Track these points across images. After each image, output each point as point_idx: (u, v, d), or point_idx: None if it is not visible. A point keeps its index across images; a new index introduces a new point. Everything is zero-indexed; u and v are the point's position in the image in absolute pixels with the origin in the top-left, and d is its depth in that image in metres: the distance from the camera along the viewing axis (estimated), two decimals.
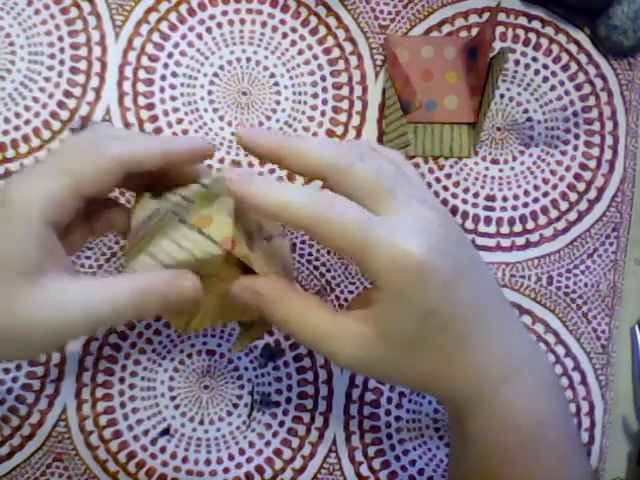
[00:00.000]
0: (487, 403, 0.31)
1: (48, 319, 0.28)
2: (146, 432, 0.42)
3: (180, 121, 0.43)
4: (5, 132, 0.42)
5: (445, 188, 0.44)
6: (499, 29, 0.45)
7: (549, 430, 0.31)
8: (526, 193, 0.45)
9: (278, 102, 0.44)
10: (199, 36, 0.43)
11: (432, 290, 0.28)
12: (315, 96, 0.44)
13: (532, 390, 0.31)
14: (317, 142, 0.31)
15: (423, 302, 0.28)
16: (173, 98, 0.43)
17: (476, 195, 0.45)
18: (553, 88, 0.45)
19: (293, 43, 0.44)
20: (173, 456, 0.42)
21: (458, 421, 0.33)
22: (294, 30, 0.44)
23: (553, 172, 0.45)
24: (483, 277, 0.32)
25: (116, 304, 0.29)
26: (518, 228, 0.45)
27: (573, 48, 0.45)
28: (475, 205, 0.45)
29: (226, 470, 0.42)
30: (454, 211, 0.44)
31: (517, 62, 0.45)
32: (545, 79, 0.45)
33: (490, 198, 0.45)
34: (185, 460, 0.42)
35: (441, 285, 0.28)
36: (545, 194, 0.45)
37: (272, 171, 0.43)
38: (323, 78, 0.44)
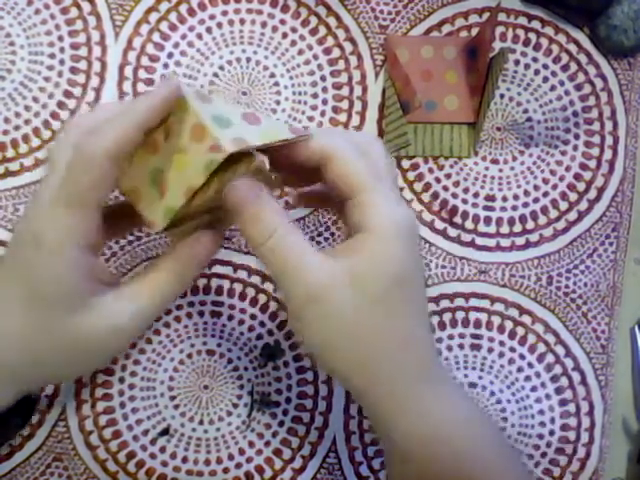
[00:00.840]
0: (433, 393, 0.32)
1: (105, 336, 0.31)
2: (146, 432, 0.42)
3: None
4: (5, 132, 0.42)
5: (445, 188, 0.44)
6: (499, 29, 0.45)
7: (476, 425, 0.32)
8: (526, 193, 0.45)
9: (278, 102, 0.44)
10: (199, 36, 0.43)
11: (412, 256, 0.31)
12: (315, 96, 0.44)
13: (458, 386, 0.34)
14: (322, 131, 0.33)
15: (403, 266, 0.30)
16: None
17: (476, 195, 0.45)
18: (553, 88, 0.45)
19: (293, 43, 0.44)
20: (173, 456, 0.42)
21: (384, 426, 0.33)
22: (294, 30, 0.44)
23: (553, 172, 0.45)
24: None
25: (163, 295, 0.31)
26: (518, 228, 0.45)
27: (573, 48, 0.45)
28: (475, 205, 0.45)
29: (226, 470, 0.42)
30: (454, 211, 0.44)
31: (517, 62, 0.45)
32: (545, 79, 0.45)
33: (490, 198, 0.45)
34: (185, 460, 0.42)
35: (416, 254, 0.31)
36: (545, 194, 0.45)
37: None
38: (323, 78, 0.44)
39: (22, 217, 0.32)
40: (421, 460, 0.31)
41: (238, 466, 0.42)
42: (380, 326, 0.30)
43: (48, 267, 0.29)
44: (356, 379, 0.31)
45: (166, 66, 0.43)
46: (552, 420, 0.44)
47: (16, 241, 0.31)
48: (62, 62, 0.42)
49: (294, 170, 0.34)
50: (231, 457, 0.42)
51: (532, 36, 0.45)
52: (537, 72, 0.45)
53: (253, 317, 0.43)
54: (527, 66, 0.45)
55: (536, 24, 0.45)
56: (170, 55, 0.43)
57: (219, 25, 0.43)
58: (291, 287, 0.30)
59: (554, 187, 0.45)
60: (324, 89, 0.44)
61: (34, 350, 0.31)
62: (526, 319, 0.44)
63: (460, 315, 0.44)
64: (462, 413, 0.32)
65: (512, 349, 0.44)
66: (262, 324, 0.43)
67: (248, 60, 0.44)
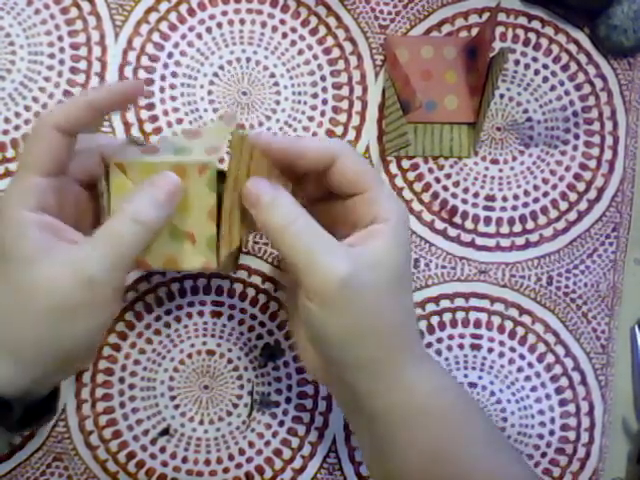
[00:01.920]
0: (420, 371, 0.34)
1: (70, 286, 0.31)
2: (146, 432, 0.42)
3: (180, 121, 0.43)
4: (5, 132, 0.42)
5: (445, 188, 0.44)
6: (499, 29, 0.45)
7: (459, 403, 0.34)
8: (526, 193, 0.45)
9: (278, 102, 0.44)
10: (199, 36, 0.43)
11: (408, 257, 0.34)
12: (315, 96, 0.44)
13: (440, 367, 0.36)
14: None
15: (407, 246, 0.34)
16: (173, 98, 0.43)
17: (476, 195, 0.45)
18: (553, 88, 0.45)
19: (293, 43, 0.44)
20: (173, 456, 0.42)
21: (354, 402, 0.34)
22: (294, 30, 0.44)
23: (553, 172, 0.45)
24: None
25: (128, 240, 0.32)
26: (518, 228, 0.45)
27: (573, 48, 0.45)
28: (475, 205, 0.45)
29: (226, 470, 0.42)
30: (454, 211, 0.44)
31: (517, 62, 0.45)
32: (545, 79, 0.45)
33: (490, 198, 0.45)
34: (185, 460, 0.42)
35: (409, 254, 0.35)
36: (545, 194, 0.45)
37: None
38: (323, 78, 0.44)
39: None
40: (408, 431, 0.33)
41: (238, 466, 0.42)
42: (395, 305, 0.33)
43: (4, 231, 0.31)
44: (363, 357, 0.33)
45: (166, 66, 0.43)
46: (552, 420, 0.44)
47: None
48: (62, 62, 0.42)
49: (300, 178, 0.36)
50: (231, 457, 0.42)
51: (532, 36, 0.45)
52: (537, 72, 0.45)
53: (253, 317, 0.43)
54: (527, 66, 0.45)
55: (536, 24, 0.45)
56: (170, 55, 0.43)
57: (219, 25, 0.43)
58: (320, 273, 0.31)
59: (554, 187, 0.45)
60: (324, 89, 0.44)
61: (20, 311, 0.31)
62: (526, 319, 0.44)
63: (460, 315, 0.44)
64: (447, 386, 0.35)
65: (512, 349, 0.44)
66: (262, 324, 0.43)
67: (248, 60, 0.44)
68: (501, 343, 0.44)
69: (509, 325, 0.44)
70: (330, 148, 0.34)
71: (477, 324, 0.44)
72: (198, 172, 0.33)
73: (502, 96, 0.45)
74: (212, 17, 0.43)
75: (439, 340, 0.44)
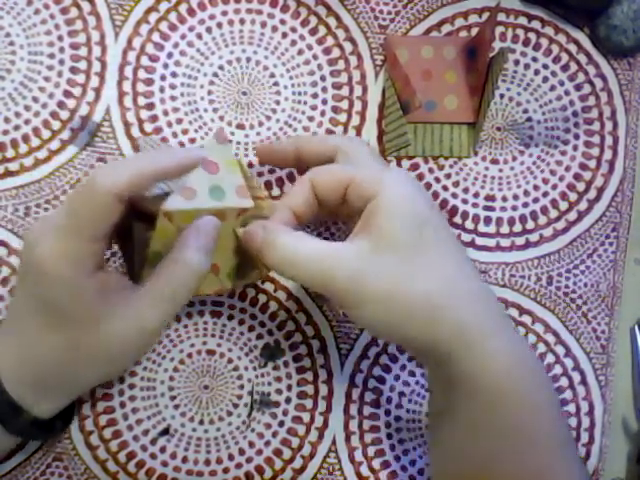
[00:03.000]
0: (479, 347, 0.31)
1: (134, 337, 0.33)
2: (146, 432, 0.42)
3: (180, 121, 0.43)
4: (5, 132, 0.42)
5: (445, 188, 0.44)
6: (499, 29, 0.45)
7: (537, 377, 0.33)
8: (526, 193, 0.45)
9: (278, 102, 0.44)
10: (199, 36, 0.43)
11: (425, 205, 0.33)
12: (315, 96, 0.44)
13: (519, 341, 0.33)
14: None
15: (419, 213, 0.32)
16: (173, 98, 0.43)
17: (476, 195, 0.45)
18: (553, 88, 0.45)
19: (293, 43, 0.44)
20: (173, 456, 0.42)
21: (443, 375, 0.33)
22: (294, 30, 0.44)
23: (553, 172, 0.45)
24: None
25: (181, 290, 0.33)
26: (518, 228, 0.45)
27: (573, 48, 0.45)
28: (475, 205, 0.45)
29: (226, 470, 0.42)
30: (454, 211, 0.44)
31: (517, 62, 0.45)
32: (545, 79, 0.45)
33: (490, 198, 0.45)
34: (185, 460, 0.42)
35: (428, 202, 0.34)
36: (545, 194, 0.45)
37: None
38: (323, 78, 0.44)
39: (25, 243, 0.33)
40: (488, 396, 0.31)
41: (238, 466, 0.42)
42: (420, 274, 0.31)
43: (55, 293, 0.32)
44: (424, 335, 0.32)
45: (166, 66, 0.43)
46: None
47: (22, 271, 0.34)
48: (62, 62, 0.42)
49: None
50: (231, 457, 0.42)
51: (532, 36, 0.45)
52: (537, 72, 0.45)
53: (253, 317, 0.43)
54: (527, 66, 0.45)
55: (536, 24, 0.45)
56: (170, 55, 0.43)
57: (219, 25, 0.43)
58: (329, 281, 0.32)
59: (554, 187, 0.45)
60: (324, 89, 0.44)
61: (68, 364, 0.34)
62: (526, 319, 0.44)
63: None
64: (530, 354, 0.33)
65: None
66: (262, 324, 0.43)
67: (248, 60, 0.44)
68: None
69: None
70: (333, 144, 0.37)
71: None
72: (236, 215, 0.35)
73: (502, 96, 0.45)
74: (212, 17, 0.43)
75: None
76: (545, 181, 0.45)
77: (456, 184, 0.44)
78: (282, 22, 0.44)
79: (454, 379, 0.32)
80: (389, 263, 0.31)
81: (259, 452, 0.42)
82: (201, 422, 0.42)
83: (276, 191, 0.43)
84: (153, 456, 0.42)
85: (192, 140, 0.43)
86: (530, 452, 0.31)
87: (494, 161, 0.45)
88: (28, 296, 0.33)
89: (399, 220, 0.32)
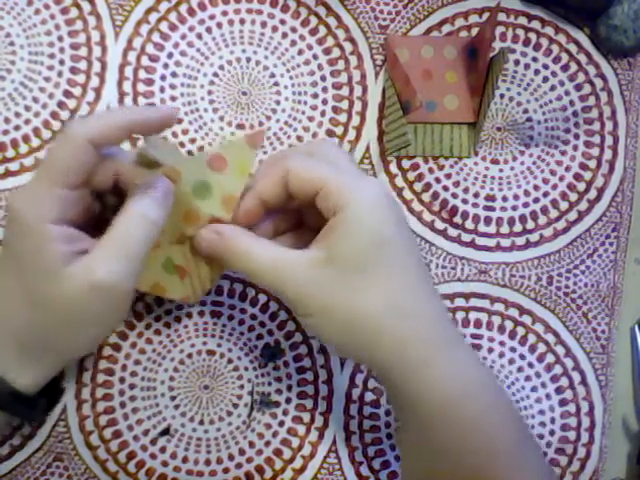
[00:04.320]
0: (420, 372, 0.32)
1: (89, 296, 0.31)
2: (146, 432, 0.42)
3: (180, 121, 0.43)
4: (5, 132, 0.42)
5: (445, 188, 0.44)
6: (499, 29, 0.45)
7: (491, 393, 0.33)
8: (526, 193, 0.45)
9: (278, 102, 0.44)
10: (199, 36, 0.43)
11: (390, 224, 0.32)
12: (315, 96, 0.44)
13: (467, 365, 0.33)
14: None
15: (381, 233, 0.32)
16: (173, 98, 0.43)
17: (476, 195, 0.45)
18: (553, 88, 0.45)
19: (293, 43, 0.44)
20: (173, 456, 0.42)
21: (389, 394, 0.34)
22: (294, 30, 0.44)
23: (553, 172, 0.45)
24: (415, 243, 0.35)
25: (136, 246, 0.32)
26: (518, 228, 0.45)
27: (573, 48, 0.45)
28: (475, 205, 0.45)
29: (226, 470, 0.42)
30: (454, 211, 0.44)
31: (517, 62, 0.45)
32: (545, 79, 0.45)
33: (490, 198, 0.45)
34: (185, 460, 0.42)
35: (395, 220, 0.33)
36: (545, 194, 0.45)
37: None
38: (323, 78, 0.44)
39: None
40: (438, 425, 0.32)
41: (238, 466, 0.42)
42: (364, 292, 0.32)
43: (25, 242, 0.31)
44: (363, 352, 0.33)
45: (166, 66, 0.43)
46: (552, 420, 0.44)
47: (7, 219, 0.33)
48: (62, 62, 0.42)
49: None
50: (231, 457, 0.42)
51: (532, 36, 0.45)
52: (537, 72, 0.45)
53: (253, 317, 0.43)
54: (527, 66, 0.45)
55: (536, 24, 0.45)
56: (170, 55, 0.43)
57: (219, 25, 0.43)
58: (281, 290, 0.33)
59: (554, 187, 0.45)
60: (324, 89, 0.44)
61: (37, 322, 0.32)
62: (526, 319, 0.44)
63: (460, 315, 0.44)
64: (474, 377, 0.33)
65: (512, 349, 0.44)
66: (262, 324, 0.43)
67: (248, 60, 0.44)
68: (501, 343, 0.44)
69: (509, 325, 0.44)
70: (282, 166, 0.34)
71: (477, 324, 0.44)
72: (208, 222, 0.35)
73: (502, 96, 0.45)
74: (212, 17, 0.43)
75: None
76: (545, 181, 0.45)
77: (456, 184, 0.44)
78: (282, 22, 0.44)
79: (399, 402, 0.33)
80: (335, 278, 0.32)
81: (259, 452, 0.42)
82: (201, 422, 0.42)
83: None
84: (153, 456, 0.42)
85: (192, 140, 0.43)
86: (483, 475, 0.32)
87: (494, 161, 0.45)
88: (3, 252, 0.33)
89: (358, 239, 0.32)
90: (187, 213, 0.35)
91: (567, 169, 0.45)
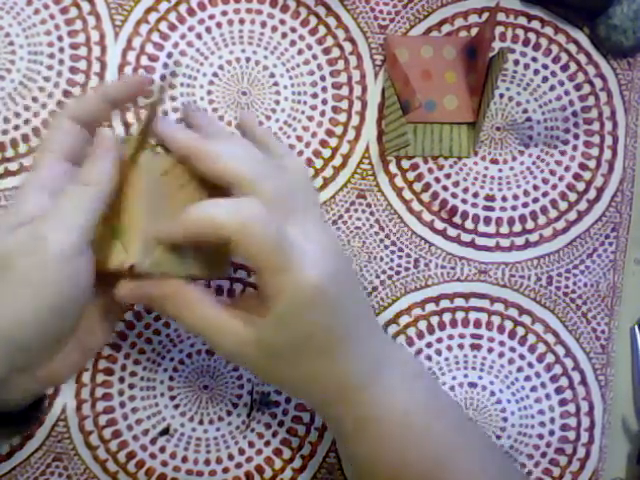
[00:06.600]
0: (353, 404, 0.34)
1: None
2: (146, 432, 0.42)
3: (180, 121, 0.43)
4: (5, 132, 0.42)
5: (445, 188, 0.44)
6: (499, 29, 0.45)
7: (416, 415, 0.34)
8: (526, 193, 0.45)
9: (278, 102, 0.44)
10: (199, 36, 0.43)
11: (320, 314, 0.32)
12: (315, 96, 0.44)
13: (396, 382, 0.34)
14: (230, 150, 0.33)
15: (309, 324, 0.32)
16: (173, 98, 0.43)
17: (476, 195, 0.45)
18: (552, 88, 0.45)
19: (293, 43, 0.44)
20: (173, 456, 0.42)
21: (334, 428, 0.37)
22: (294, 30, 0.44)
23: (552, 172, 0.45)
24: (355, 287, 0.35)
25: None
26: (517, 228, 0.45)
27: (572, 48, 0.45)
28: (475, 205, 0.45)
29: (226, 470, 0.42)
30: (454, 211, 0.44)
31: (517, 62, 0.45)
32: (544, 79, 0.45)
33: (490, 198, 0.45)
34: (185, 460, 0.42)
35: (328, 308, 0.32)
36: (544, 194, 0.45)
37: None
38: (323, 78, 0.44)
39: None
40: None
41: (238, 466, 0.42)
42: (295, 369, 0.33)
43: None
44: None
45: (166, 66, 0.43)
46: (552, 420, 0.44)
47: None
48: (62, 62, 0.42)
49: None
50: (231, 457, 0.42)
51: (532, 36, 0.45)
52: (537, 72, 0.45)
53: None
54: (527, 66, 0.45)
55: (536, 24, 0.45)
56: (170, 55, 0.43)
57: (218, 25, 0.43)
58: (217, 348, 0.34)
59: (554, 187, 0.45)
60: (324, 89, 0.44)
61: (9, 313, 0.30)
62: (526, 319, 0.44)
63: (460, 315, 0.44)
64: (401, 409, 0.34)
65: (512, 349, 0.44)
66: None
67: (248, 60, 0.44)
68: (501, 343, 0.44)
69: (509, 325, 0.44)
70: (228, 176, 0.32)
71: (477, 324, 0.44)
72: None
73: (502, 96, 0.45)
74: (212, 17, 0.43)
75: (439, 340, 0.44)
76: (545, 181, 0.45)
77: (456, 184, 0.44)
78: (282, 22, 0.44)
79: (343, 432, 0.36)
80: (263, 359, 0.33)
81: (259, 452, 0.42)
82: (201, 422, 0.42)
83: None
84: (153, 456, 0.42)
85: None
86: None
87: (494, 161, 0.45)
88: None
89: (288, 334, 0.32)
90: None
91: (566, 169, 0.45)
